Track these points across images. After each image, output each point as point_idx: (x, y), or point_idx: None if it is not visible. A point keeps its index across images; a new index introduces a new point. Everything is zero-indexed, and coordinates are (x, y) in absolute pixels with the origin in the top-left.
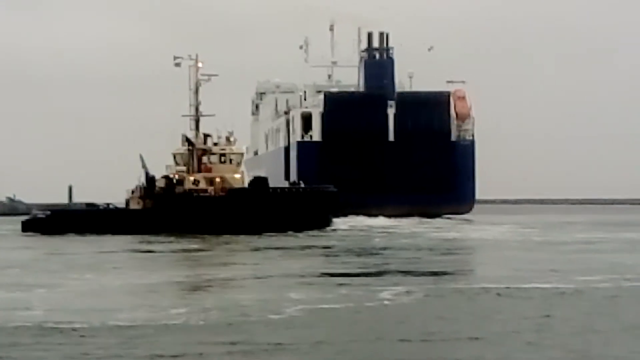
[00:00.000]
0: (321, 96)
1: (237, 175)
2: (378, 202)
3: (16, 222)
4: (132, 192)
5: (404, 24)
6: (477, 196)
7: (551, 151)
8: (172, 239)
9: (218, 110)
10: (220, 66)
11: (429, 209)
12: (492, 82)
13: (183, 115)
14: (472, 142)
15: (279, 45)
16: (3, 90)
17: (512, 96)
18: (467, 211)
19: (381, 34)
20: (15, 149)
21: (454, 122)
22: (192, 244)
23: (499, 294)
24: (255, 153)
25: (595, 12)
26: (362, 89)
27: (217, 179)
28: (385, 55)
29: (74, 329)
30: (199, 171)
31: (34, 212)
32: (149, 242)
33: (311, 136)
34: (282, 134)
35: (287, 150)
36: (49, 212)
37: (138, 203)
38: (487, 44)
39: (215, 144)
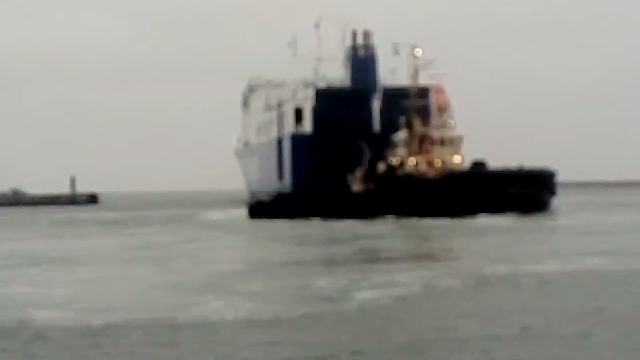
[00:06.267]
0: (311, 91)
1: (457, 158)
2: None
3: (240, 205)
4: (354, 176)
5: (384, 21)
6: None
7: (525, 137)
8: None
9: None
10: (212, 61)
11: None
12: (469, 75)
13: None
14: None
15: (268, 42)
16: (6, 83)
17: (489, 87)
18: None
19: (365, 32)
20: (18, 141)
21: None
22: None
23: None
24: (246, 144)
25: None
26: (348, 83)
27: (438, 162)
28: (369, 52)
29: None
30: (419, 154)
31: (259, 196)
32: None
33: (303, 128)
34: (275, 126)
35: (280, 141)
36: (273, 196)
37: (359, 187)
38: (461, 36)
39: (435, 128)
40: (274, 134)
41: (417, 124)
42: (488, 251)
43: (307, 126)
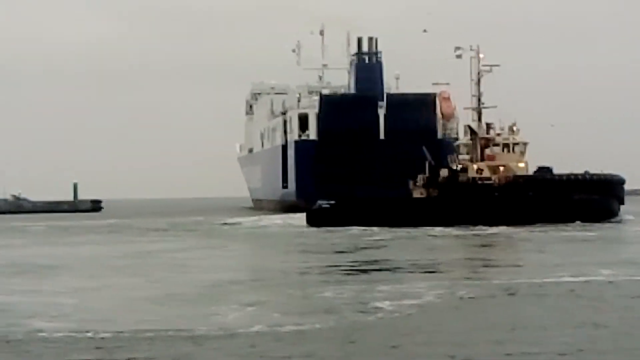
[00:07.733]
0: (316, 97)
1: (522, 164)
2: (368, 194)
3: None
4: (415, 182)
5: (388, 27)
6: None
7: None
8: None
9: (499, 101)
10: (215, 66)
11: None
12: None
13: (465, 108)
14: (457, 140)
15: (271, 48)
16: (6, 87)
17: (494, 94)
18: None
19: (370, 39)
20: (19, 146)
21: (439, 121)
22: None
23: None
24: (250, 151)
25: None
26: (352, 90)
27: (501, 168)
28: (374, 59)
29: None
30: (482, 160)
31: (319, 202)
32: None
33: (308, 135)
34: (279, 133)
35: (284, 148)
36: (333, 202)
37: (421, 193)
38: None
39: (499, 134)
40: (278, 140)
41: (480, 129)
42: (522, 262)
43: (312, 133)
